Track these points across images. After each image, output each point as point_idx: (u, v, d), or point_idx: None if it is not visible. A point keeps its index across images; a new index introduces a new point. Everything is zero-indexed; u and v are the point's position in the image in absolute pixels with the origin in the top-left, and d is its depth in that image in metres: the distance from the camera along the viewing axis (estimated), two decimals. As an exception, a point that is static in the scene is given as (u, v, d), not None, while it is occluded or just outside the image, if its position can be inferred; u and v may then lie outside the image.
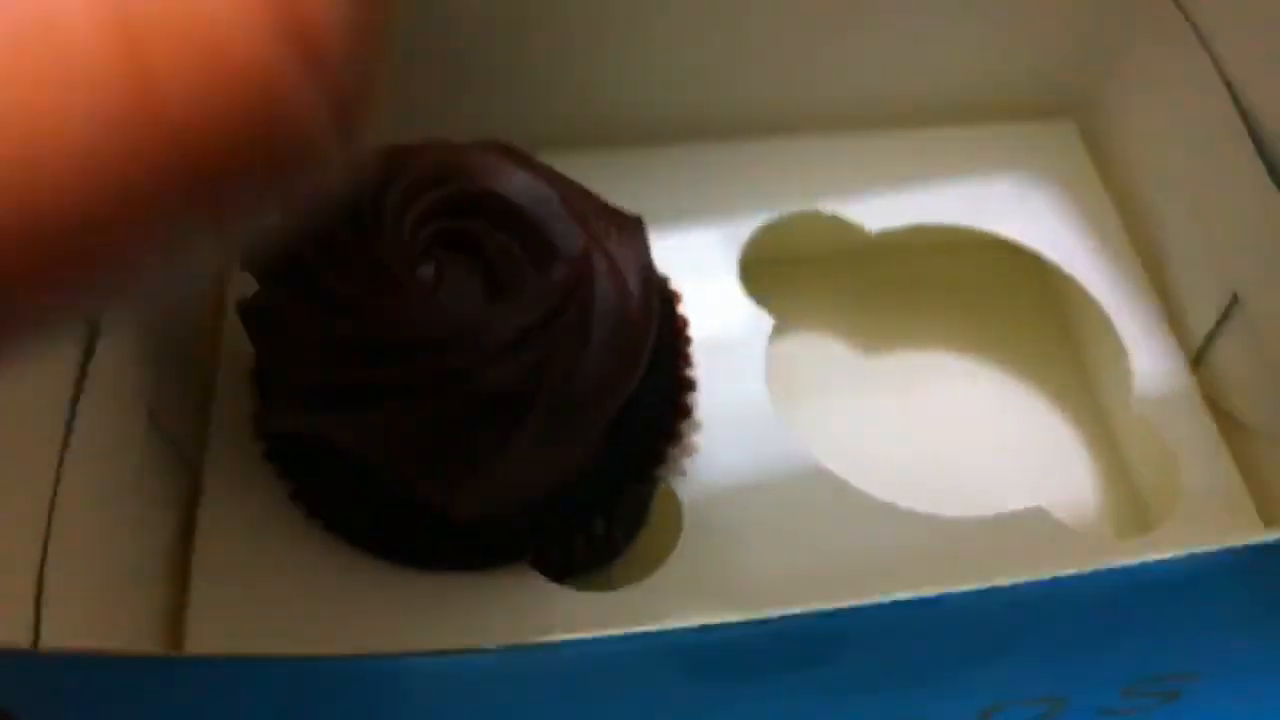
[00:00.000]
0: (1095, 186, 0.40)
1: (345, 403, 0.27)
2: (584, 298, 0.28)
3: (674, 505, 0.31)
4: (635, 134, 0.39)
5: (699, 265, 0.36)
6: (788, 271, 0.39)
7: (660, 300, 0.31)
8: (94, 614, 0.25)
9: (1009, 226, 0.38)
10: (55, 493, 0.24)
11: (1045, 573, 0.22)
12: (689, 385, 0.32)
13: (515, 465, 0.27)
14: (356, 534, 0.29)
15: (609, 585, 0.30)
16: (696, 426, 0.32)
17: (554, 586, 0.30)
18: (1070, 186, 0.39)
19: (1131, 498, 0.37)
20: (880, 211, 0.38)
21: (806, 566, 0.30)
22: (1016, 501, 0.32)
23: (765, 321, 0.35)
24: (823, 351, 0.40)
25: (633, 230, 0.30)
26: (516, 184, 0.30)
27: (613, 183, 0.32)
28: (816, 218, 0.38)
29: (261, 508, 0.30)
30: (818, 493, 0.32)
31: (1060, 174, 0.40)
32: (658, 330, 0.30)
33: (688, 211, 0.37)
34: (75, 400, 0.25)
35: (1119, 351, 0.36)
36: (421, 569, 0.29)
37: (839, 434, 0.36)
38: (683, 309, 0.33)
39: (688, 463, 0.32)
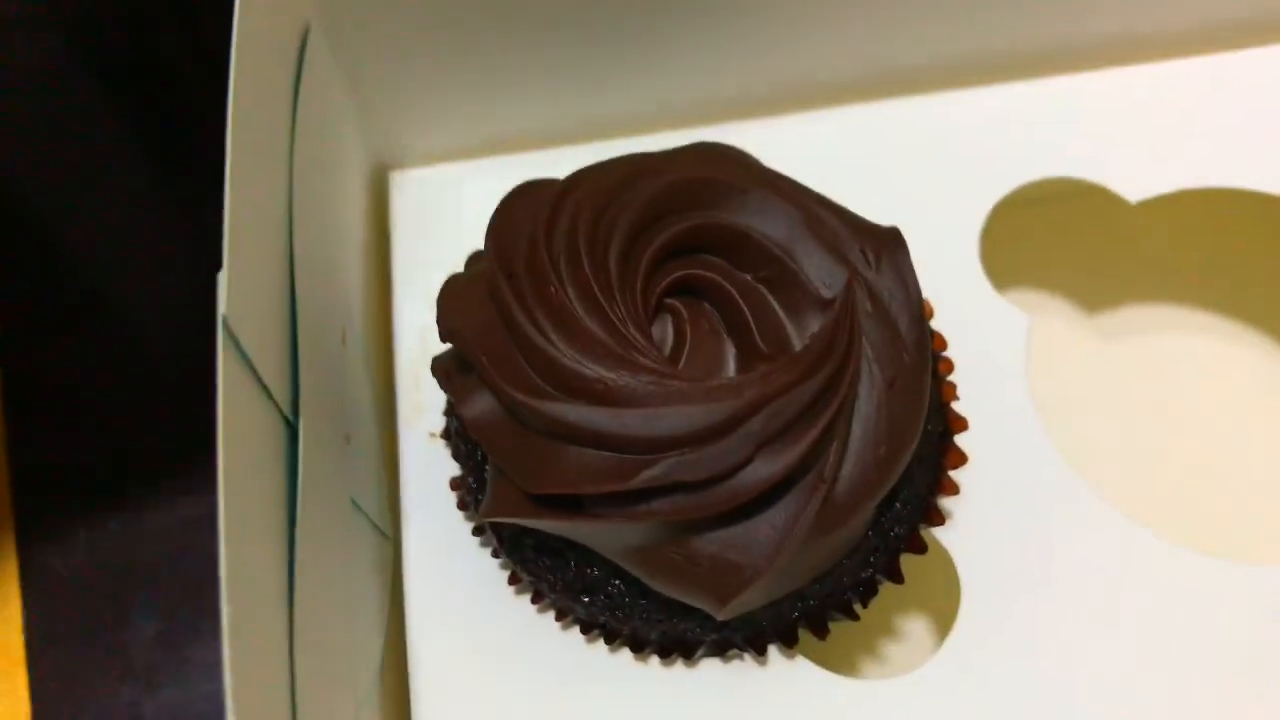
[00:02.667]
0: None
1: (583, 508, 0.23)
2: (848, 349, 0.23)
3: (940, 558, 0.27)
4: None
5: (933, 252, 0.30)
6: (1025, 250, 0.34)
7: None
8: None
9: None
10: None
11: None
12: (961, 424, 0.27)
13: (784, 567, 0.23)
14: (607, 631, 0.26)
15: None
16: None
17: (824, 673, 0.26)
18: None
19: None
20: (1140, 176, 0.32)
21: (1098, 632, 0.26)
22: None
23: (1020, 322, 0.30)
24: (1076, 344, 0.35)
25: (892, 249, 0.25)
26: (755, 206, 0.25)
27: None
28: (1063, 187, 0.32)
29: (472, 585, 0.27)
30: (1106, 537, 0.27)
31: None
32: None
33: (913, 186, 0.32)
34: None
35: None
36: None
37: (1111, 446, 0.32)
38: (936, 323, 0.28)
39: (952, 505, 0.27)
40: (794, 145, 0.33)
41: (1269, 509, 0.33)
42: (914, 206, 0.31)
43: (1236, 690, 0.25)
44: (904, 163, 0.32)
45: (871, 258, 0.25)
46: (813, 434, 0.22)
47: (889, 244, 0.25)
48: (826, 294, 0.24)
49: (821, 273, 0.25)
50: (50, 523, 0.35)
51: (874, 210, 0.27)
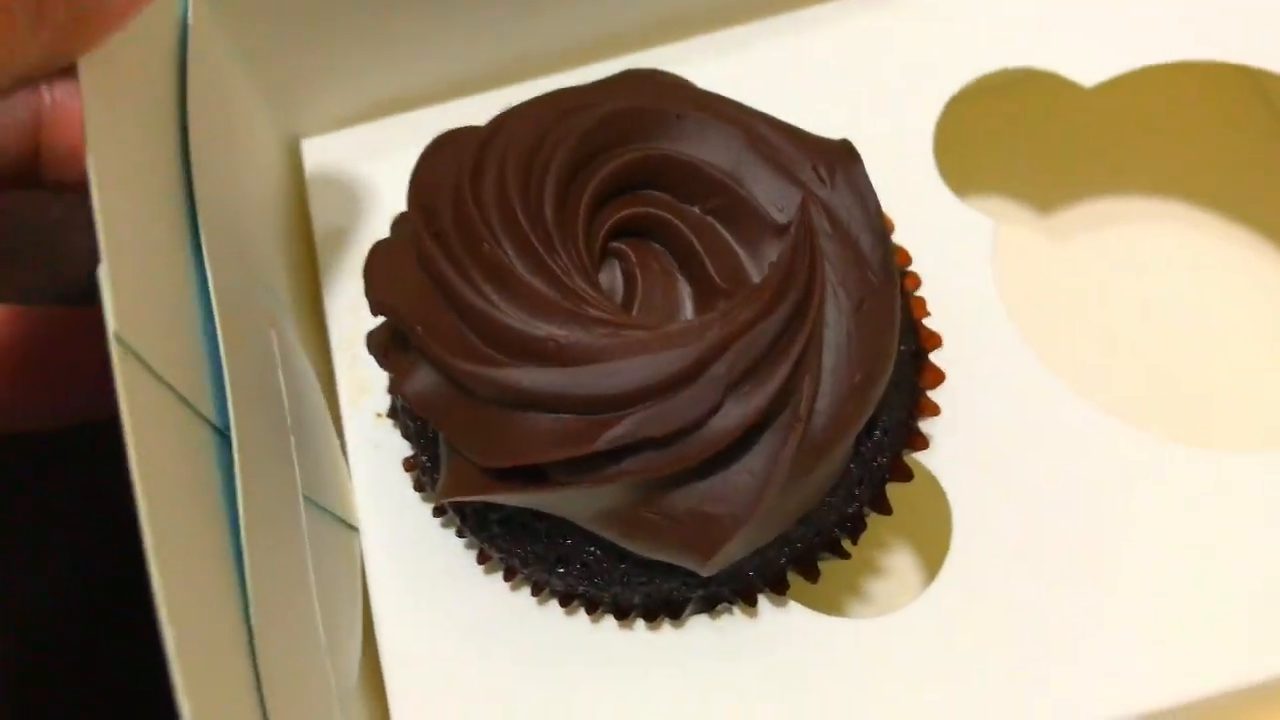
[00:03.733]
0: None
1: (547, 477, 0.21)
2: (810, 275, 0.22)
3: (930, 488, 0.26)
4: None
5: (887, 161, 0.28)
6: (981, 147, 0.32)
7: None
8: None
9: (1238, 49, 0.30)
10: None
11: None
12: (934, 341, 0.26)
13: (766, 513, 0.21)
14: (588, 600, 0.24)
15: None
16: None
17: (821, 618, 0.24)
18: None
19: None
20: (1093, 59, 0.30)
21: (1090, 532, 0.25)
22: None
23: (984, 227, 0.28)
24: (1041, 240, 0.33)
25: (846, 163, 0.24)
26: (694, 132, 0.23)
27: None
28: (1014, 78, 0.30)
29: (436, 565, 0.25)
30: (1095, 442, 0.26)
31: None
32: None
33: (859, 94, 0.30)
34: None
35: None
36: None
37: (1086, 345, 0.30)
38: (897, 237, 0.26)
39: (933, 427, 0.26)
40: (726, 64, 0.31)
41: (1249, 393, 0.32)
42: (862, 115, 0.30)
43: (1246, 590, 0.24)
44: (846, 70, 0.31)
45: (825, 175, 0.23)
46: (783, 371, 0.21)
47: (842, 158, 0.24)
48: (781, 219, 0.23)
49: (773, 196, 0.23)
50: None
51: (820, 123, 0.25)
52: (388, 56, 0.31)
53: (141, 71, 0.22)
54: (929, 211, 0.28)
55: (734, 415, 0.21)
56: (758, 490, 0.21)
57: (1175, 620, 0.24)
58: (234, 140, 0.27)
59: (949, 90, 0.30)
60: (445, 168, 0.23)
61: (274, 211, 0.30)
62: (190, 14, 0.25)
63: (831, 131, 0.25)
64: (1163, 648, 0.24)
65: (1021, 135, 0.34)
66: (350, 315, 0.29)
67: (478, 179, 0.22)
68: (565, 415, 0.21)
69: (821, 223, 0.23)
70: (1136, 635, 0.24)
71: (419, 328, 0.21)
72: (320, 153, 0.31)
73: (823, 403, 0.22)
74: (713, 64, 0.31)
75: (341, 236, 0.30)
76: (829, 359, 0.22)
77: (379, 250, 0.24)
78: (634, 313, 0.22)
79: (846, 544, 0.24)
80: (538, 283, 0.21)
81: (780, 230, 0.23)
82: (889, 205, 0.26)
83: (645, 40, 0.32)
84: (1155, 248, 0.34)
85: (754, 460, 0.21)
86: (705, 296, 0.22)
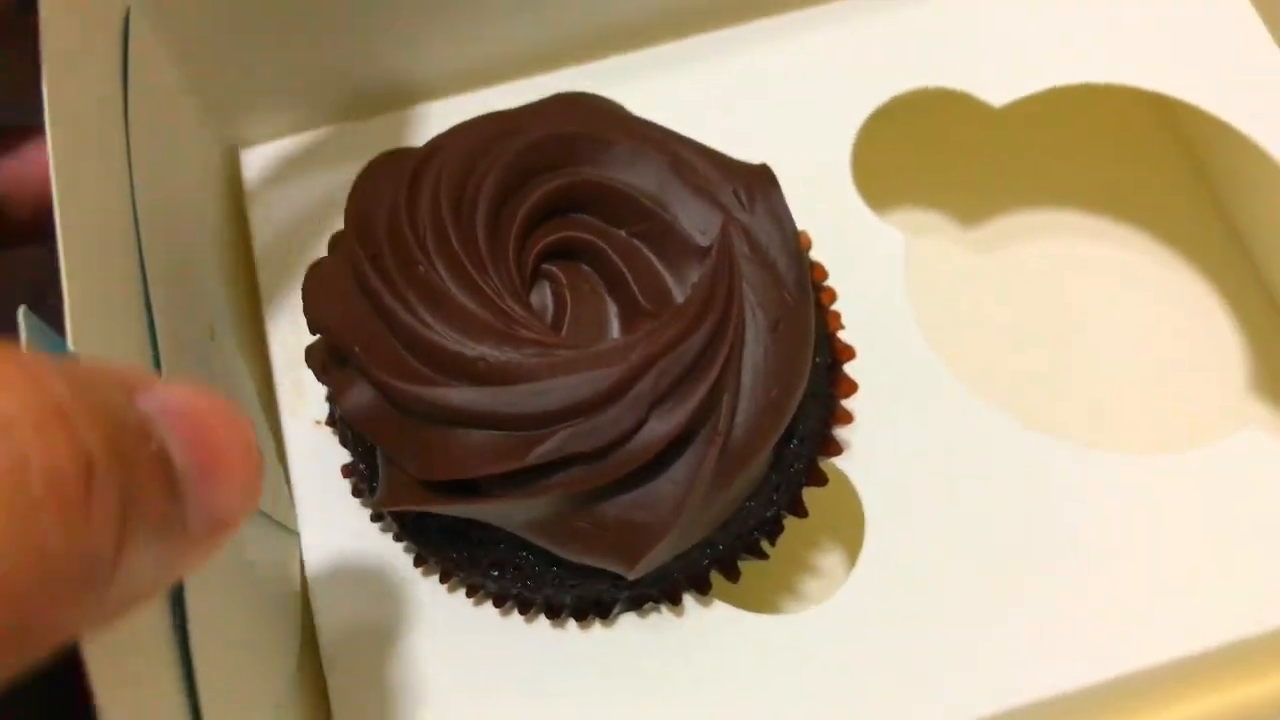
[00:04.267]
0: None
1: (481, 490, 0.22)
2: (729, 297, 0.23)
3: (845, 491, 0.27)
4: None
5: (805, 180, 0.30)
6: (896, 165, 0.33)
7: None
8: None
9: (1153, 77, 0.32)
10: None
11: None
12: (848, 353, 0.27)
13: (689, 520, 0.23)
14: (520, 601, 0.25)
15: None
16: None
17: (742, 614, 0.26)
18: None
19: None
20: (1003, 81, 0.32)
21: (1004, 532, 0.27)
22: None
23: (897, 242, 0.30)
24: (954, 253, 0.35)
25: (765, 187, 0.25)
26: (623, 158, 0.24)
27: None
28: (928, 98, 0.32)
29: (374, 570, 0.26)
30: (1002, 445, 0.28)
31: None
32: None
33: (781, 113, 0.31)
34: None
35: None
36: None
37: (996, 356, 0.32)
38: (814, 253, 0.28)
39: (848, 434, 0.28)
40: (652, 82, 0.32)
41: (1155, 400, 0.34)
42: (784, 133, 0.31)
43: (1141, 582, 0.26)
44: (770, 88, 0.32)
45: (745, 198, 0.25)
46: (703, 388, 0.22)
47: (761, 182, 0.25)
48: (703, 242, 0.24)
49: (696, 220, 0.24)
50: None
51: (743, 142, 0.26)
52: (327, 66, 0.31)
53: (91, 82, 0.22)
54: (845, 227, 0.30)
55: (658, 430, 0.22)
56: (680, 499, 0.22)
57: (1069, 607, 0.26)
58: (175, 150, 0.28)
59: (867, 108, 0.31)
60: (382, 190, 0.24)
61: (214, 220, 0.30)
62: (131, 27, 0.25)
63: (754, 149, 0.26)
64: (1058, 632, 0.25)
65: (936, 152, 0.36)
66: (289, 324, 0.29)
67: (413, 202, 0.23)
68: (497, 432, 0.22)
69: (741, 246, 0.24)
70: (1033, 623, 0.26)
71: (356, 348, 0.22)
72: (260, 163, 0.32)
73: (741, 417, 0.23)
74: (639, 82, 0.32)
75: (281, 245, 0.30)
76: (747, 376, 0.23)
77: (316, 270, 0.24)
78: (564, 332, 0.23)
79: (765, 545, 0.26)
80: (470, 304, 0.22)
81: (702, 253, 0.24)
82: (808, 222, 0.27)
83: (576, 57, 0.33)
84: (1062, 258, 0.35)
85: (677, 472, 0.23)
86: (631, 316, 0.24)
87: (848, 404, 0.27)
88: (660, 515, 0.22)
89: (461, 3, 0.31)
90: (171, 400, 0.14)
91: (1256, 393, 0.33)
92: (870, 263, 0.29)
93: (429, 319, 0.22)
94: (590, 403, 0.21)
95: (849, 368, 0.27)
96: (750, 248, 0.24)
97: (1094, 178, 0.36)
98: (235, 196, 0.32)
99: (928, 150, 0.35)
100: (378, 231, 0.23)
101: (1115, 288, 0.35)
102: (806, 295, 0.24)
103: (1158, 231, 0.36)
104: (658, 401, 0.22)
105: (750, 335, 0.23)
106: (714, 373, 0.22)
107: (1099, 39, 0.32)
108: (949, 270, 0.35)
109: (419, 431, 0.22)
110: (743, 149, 0.26)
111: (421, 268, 0.22)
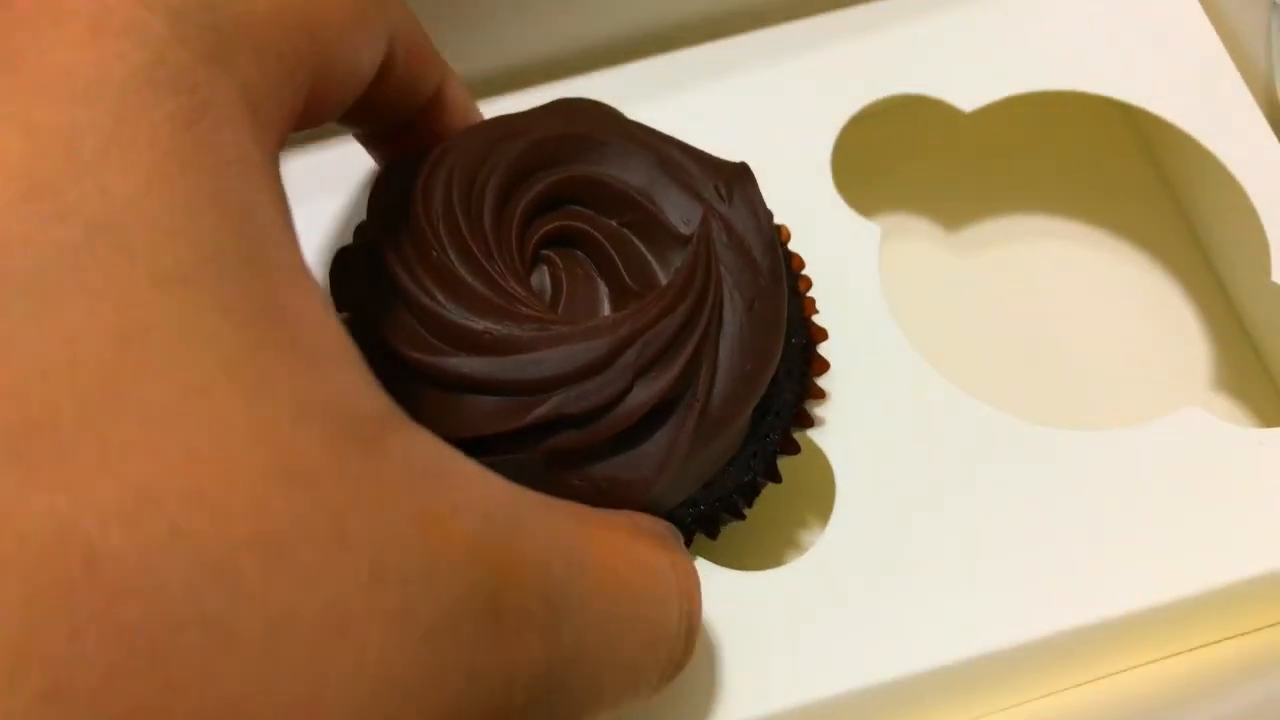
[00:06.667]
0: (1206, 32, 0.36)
1: (486, 449, 0.25)
2: (708, 279, 0.26)
3: (818, 461, 0.30)
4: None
5: (787, 178, 0.33)
6: (875, 167, 0.36)
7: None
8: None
9: (1114, 85, 0.35)
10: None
11: None
12: (821, 335, 0.30)
13: (672, 478, 0.25)
14: None
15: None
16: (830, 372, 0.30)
17: (722, 569, 0.29)
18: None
19: (1268, 383, 0.35)
20: (972, 87, 0.35)
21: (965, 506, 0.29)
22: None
23: (871, 233, 0.33)
24: (929, 250, 0.37)
25: (742, 183, 0.28)
26: (615, 156, 0.27)
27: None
28: (903, 104, 0.35)
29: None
30: (962, 422, 0.30)
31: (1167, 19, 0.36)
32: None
33: (764, 120, 0.34)
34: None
35: (1249, 220, 0.33)
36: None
37: (966, 342, 0.35)
38: (793, 244, 0.31)
39: (821, 411, 0.30)
40: (644, 90, 0.35)
41: (1118, 382, 0.36)
42: (768, 137, 0.34)
43: (1093, 541, 0.28)
44: (758, 95, 0.35)
45: (724, 192, 0.28)
46: (683, 359, 0.25)
47: (739, 178, 0.28)
48: (685, 231, 0.27)
49: (680, 211, 0.27)
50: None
51: (730, 145, 0.29)
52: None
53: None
54: (822, 221, 0.33)
55: (642, 396, 0.25)
56: (664, 460, 0.25)
57: (1027, 563, 0.28)
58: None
59: (847, 113, 0.34)
60: (400, 185, 0.27)
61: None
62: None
63: (741, 151, 0.29)
64: (1012, 593, 0.28)
65: (913, 155, 0.38)
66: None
67: (428, 195, 0.26)
68: (500, 397, 0.25)
69: (720, 234, 0.27)
70: (994, 577, 0.28)
71: (377, 322, 0.25)
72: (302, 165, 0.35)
73: (719, 387, 0.26)
74: (631, 91, 0.35)
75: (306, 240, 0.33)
76: (724, 350, 0.26)
77: (343, 255, 0.27)
78: (560, 310, 0.26)
79: (743, 507, 0.29)
80: (477, 285, 0.25)
81: (685, 240, 0.27)
82: (788, 217, 0.30)
83: (574, 69, 0.36)
84: (1034, 256, 0.38)
85: (661, 435, 0.25)
86: (620, 296, 0.26)
87: (821, 381, 0.30)
88: (645, 474, 0.25)
89: (470, 24, 0.34)
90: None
91: (1210, 376, 0.36)
92: (845, 252, 0.32)
93: (441, 298, 0.25)
94: (581, 371, 0.24)
95: (823, 348, 0.30)
96: (728, 236, 0.27)
97: (1062, 181, 0.39)
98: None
99: (905, 153, 0.38)
100: (396, 222, 0.26)
101: (1083, 284, 0.38)
102: (780, 279, 0.27)
103: (1122, 231, 0.38)
104: (642, 371, 0.25)
105: (728, 314, 0.26)
106: (692, 346, 0.25)
107: (1065, 48, 0.35)
108: (925, 270, 0.37)
109: (431, 397, 0.25)
110: (730, 149, 0.29)
111: (435, 253, 0.25)
